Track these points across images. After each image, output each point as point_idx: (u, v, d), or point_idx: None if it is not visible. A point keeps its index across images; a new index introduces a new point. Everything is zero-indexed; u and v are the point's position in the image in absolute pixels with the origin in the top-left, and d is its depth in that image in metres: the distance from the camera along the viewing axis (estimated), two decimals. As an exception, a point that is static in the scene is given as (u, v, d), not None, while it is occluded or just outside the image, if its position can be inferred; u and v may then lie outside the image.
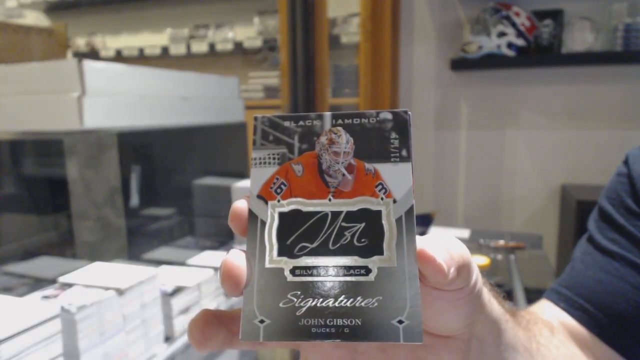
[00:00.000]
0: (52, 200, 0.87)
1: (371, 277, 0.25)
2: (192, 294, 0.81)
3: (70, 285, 0.66)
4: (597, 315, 0.49)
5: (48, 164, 0.87)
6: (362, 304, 0.24)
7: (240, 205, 0.27)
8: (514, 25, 1.98)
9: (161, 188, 0.92)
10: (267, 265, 0.26)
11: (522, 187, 2.29)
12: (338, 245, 0.26)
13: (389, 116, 0.28)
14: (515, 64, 2.09)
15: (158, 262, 0.89)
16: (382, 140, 0.27)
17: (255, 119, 0.29)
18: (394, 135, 0.27)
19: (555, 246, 2.20)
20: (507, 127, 2.27)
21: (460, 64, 2.15)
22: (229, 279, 0.24)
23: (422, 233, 0.98)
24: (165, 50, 3.07)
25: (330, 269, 0.25)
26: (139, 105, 0.90)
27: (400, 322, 0.24)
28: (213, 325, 0.27)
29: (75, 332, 0.59)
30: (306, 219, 0.27)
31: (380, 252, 0.25)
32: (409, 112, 0.28)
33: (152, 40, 3.21)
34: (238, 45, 2.91)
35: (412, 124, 0.27)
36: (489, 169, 2.32)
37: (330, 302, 0.24)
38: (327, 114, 0.28)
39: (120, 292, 0.65)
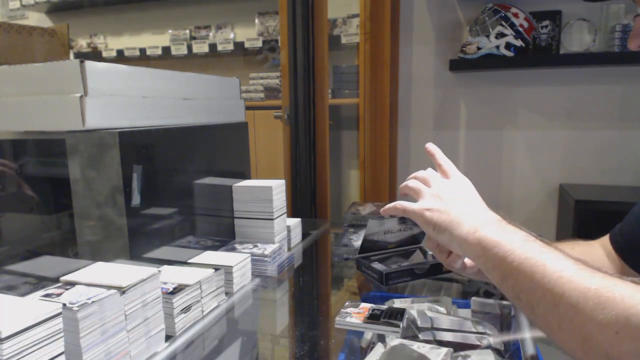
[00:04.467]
0: (54, 199, 0.88)
1: None
2: (193, 292, 0.82)
3: (72, 284, 0.67)
4: (620, 240, 0.75)
5: (50, 163, 0.87)
6: None
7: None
8: (512, 26, 1.99)
9: (162, 188, 0.92)
10: None
11: (521, 186, 2.29)
12: None
13: None
14: (513, 64, 2.09)
15: (159, 262, 0.90)
16: None
17: None
18: None
19: (554, 246, 2.20)
20: (505, 127, 2.28)
21: (459, 65, 2.16)
22: None
23: (421, 233, 0.99)
24: (166, 50, 3.08)
25: None
26: (140, 106, 0.91)
27: None
28: None
29: (77, 330, 0.59)
30: None
31: None
32: None
33: (153, 41, 3.22)
34: (239, 46, 2.92)
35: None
36: (487, 168, 2.33)
37: None
38: None
39: (122, 290, 0.65)
